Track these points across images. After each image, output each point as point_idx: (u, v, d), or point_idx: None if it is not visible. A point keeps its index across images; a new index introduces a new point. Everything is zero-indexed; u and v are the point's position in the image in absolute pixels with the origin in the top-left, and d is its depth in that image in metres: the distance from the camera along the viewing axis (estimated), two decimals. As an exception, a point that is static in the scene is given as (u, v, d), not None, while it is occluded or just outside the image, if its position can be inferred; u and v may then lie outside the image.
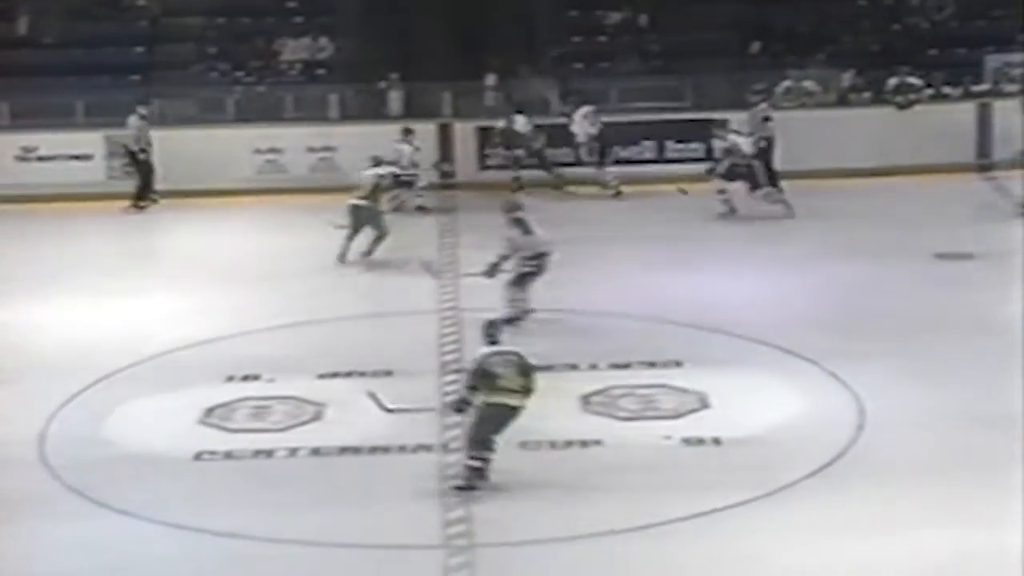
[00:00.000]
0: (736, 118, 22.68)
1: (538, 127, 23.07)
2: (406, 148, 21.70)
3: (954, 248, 18.77)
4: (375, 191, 19.41)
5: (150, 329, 17.37)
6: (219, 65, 25.47)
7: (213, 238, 21.02)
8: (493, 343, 13.27)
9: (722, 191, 20.93)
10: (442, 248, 20.01)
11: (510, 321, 15.75)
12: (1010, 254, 18.88)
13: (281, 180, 23.37)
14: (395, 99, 24.63)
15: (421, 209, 21.91)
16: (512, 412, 12.96)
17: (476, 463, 12.87)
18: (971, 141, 23.37)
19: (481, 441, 12.87)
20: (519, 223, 16.81)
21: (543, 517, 12.42)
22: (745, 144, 21.20)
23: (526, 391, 12.98)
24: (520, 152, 23.05)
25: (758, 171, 21.01)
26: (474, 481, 12.86)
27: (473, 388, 13.03)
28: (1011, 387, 14.73)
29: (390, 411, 14.31)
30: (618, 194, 22.50)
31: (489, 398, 12.94)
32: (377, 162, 19.96)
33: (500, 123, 23.40)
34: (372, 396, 14.45)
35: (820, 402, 14.60)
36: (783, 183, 21.45)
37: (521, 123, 23.07)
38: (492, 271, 16.87)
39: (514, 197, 16.54)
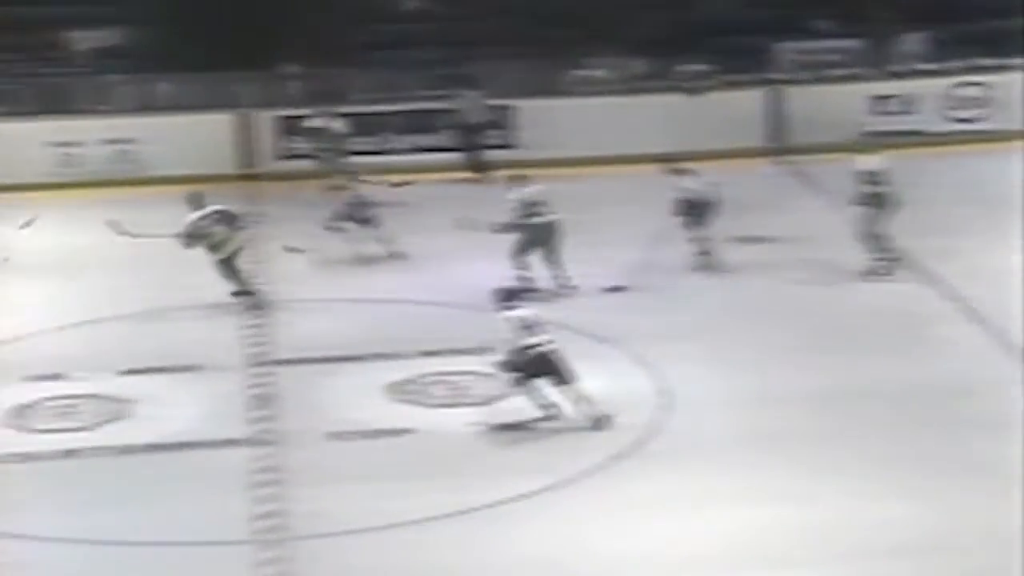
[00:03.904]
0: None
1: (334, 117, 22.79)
2: None
3: (752, 232, 19.23)
4: None
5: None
6: (9, 56, 24.88)
7: (8, 235, 20.52)
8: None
9: None
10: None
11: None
12: (805, 238, 19.42)
13: (77, 174, 22.92)
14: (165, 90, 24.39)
15: None
16: (233, 257, 17.06)
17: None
18: (761, 127, 23.91)
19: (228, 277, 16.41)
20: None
21: (355, 507, 12.47)
22: None
23: (231, 239, 17.02)
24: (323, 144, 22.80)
25: None
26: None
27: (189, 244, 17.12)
28: (802, 368, 15.19)
29: (135, 236, 17.13)
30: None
31: (214, 255, 16.90)
32: None
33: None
34: (112, 223, 17.49)
35: (625, 384, 14.81)
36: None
37: (326, 115, 22.78)
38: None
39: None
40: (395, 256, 18.89)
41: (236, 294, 17.38)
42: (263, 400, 14.70)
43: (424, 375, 15.15)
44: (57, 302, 17.81)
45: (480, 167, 23.08)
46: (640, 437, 13.65)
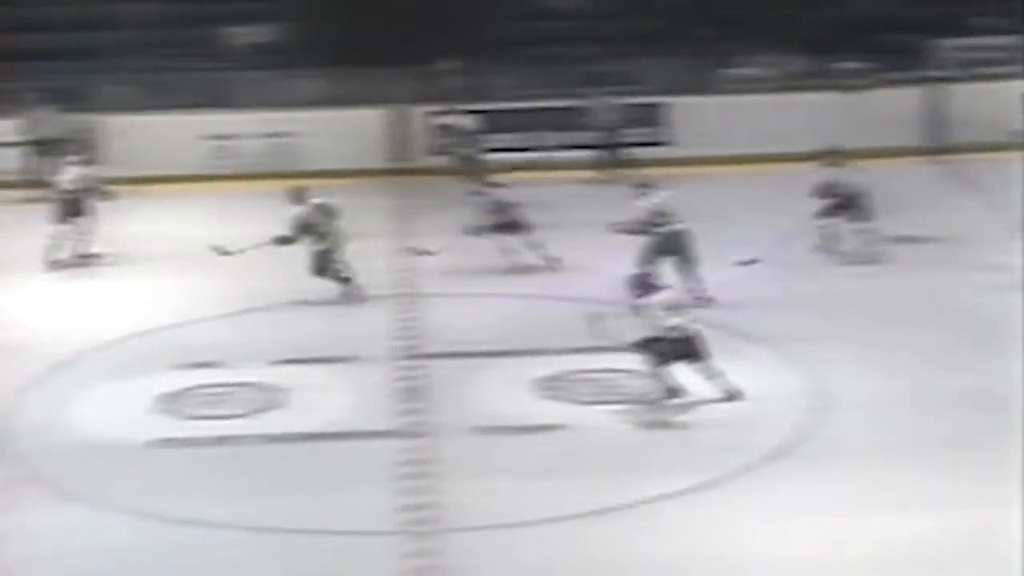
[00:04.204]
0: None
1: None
2: None
3: (912, 232, 18.90)
4: None
5: (103, 316, 17.30)
6: (167, 50, 25.30)
7: (163, 225, 20.90)
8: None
9: None
10: (397, 234, 19.94)
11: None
12: (962, 238, 19.04)
13: (231, 166, 23.25)
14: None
15: None
16: (333, 248, 17.44)
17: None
18: (918, 126, 23.51)
19: (327, 269, 17.33)
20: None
21: (505, 501, 12.46)
22: None
23: (331, 232, 17.42)
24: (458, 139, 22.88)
25: None
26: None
27: (290, 239, 17.51)
28: (957, 370, 14.88)
29: (229, 254, 17.71)
30: None
31: (316, 246, 17.38)
32: None
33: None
34: (215, 248, 17.89)
35: (778, 384, 14.66)
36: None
37: (457, 112, 22.90)
38: None
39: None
40: (551, 263, 18.62)
41: (334, 288, 17.52)
42: (413, 393, 14.76)
43: (571, 371, 15.10)
44: (209, 291, 18.05)
45: (614, 167, 22.91)
46: (791, 438, 13.49)
